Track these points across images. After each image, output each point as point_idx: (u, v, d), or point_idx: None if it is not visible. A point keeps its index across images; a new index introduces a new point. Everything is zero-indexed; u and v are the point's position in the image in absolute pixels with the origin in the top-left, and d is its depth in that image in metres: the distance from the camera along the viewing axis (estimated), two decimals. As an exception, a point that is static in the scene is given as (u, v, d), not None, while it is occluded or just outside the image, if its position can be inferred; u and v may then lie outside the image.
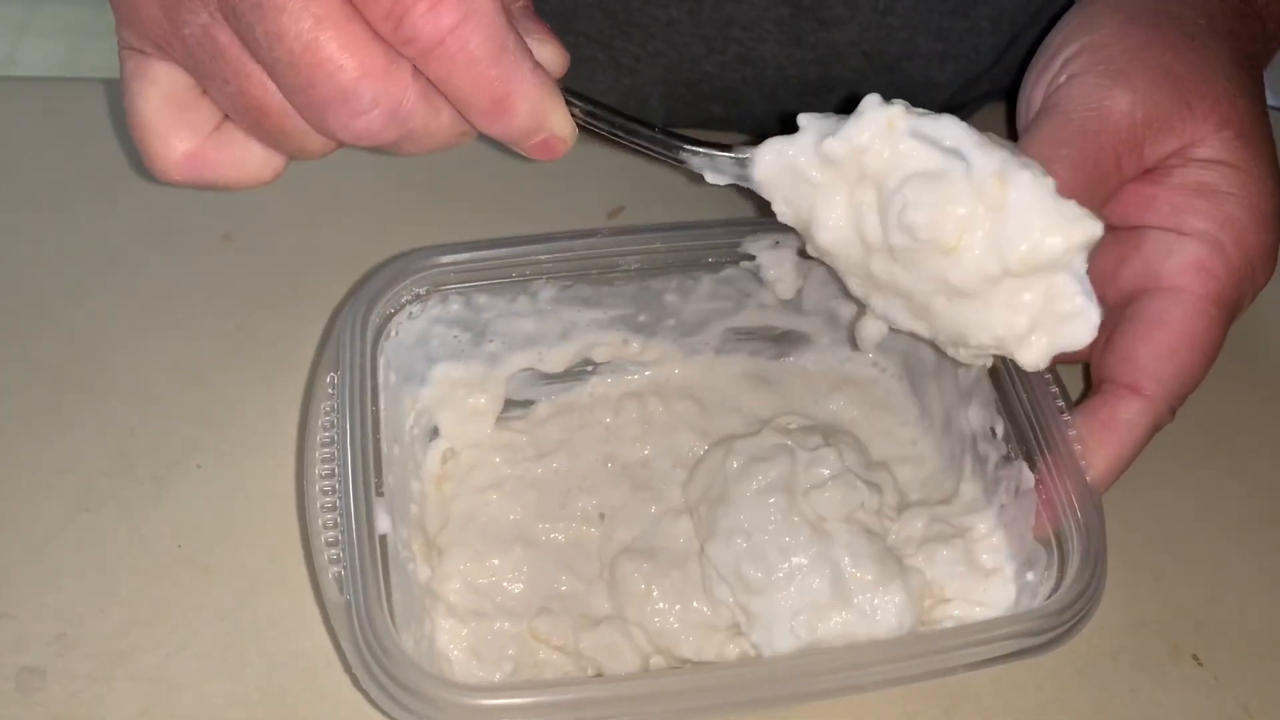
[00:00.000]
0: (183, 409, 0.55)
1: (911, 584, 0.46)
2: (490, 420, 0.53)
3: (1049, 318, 0.40)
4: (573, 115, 0.40)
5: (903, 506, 0.50)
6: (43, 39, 1.80)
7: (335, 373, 0.46)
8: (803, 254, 0.51)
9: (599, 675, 0.47)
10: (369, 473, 0.43)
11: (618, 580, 0.49)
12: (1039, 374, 0.45)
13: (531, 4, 0.41)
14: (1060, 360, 0.42)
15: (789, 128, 0.42)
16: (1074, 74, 0.47)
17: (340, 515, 0.42)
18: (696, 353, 0.56)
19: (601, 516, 0.52)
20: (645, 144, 0.42)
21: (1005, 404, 0.48)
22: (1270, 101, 0.50)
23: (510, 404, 0.54)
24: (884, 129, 0.40)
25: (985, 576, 0.47)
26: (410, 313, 0.49)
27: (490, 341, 0.52)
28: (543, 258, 0.50)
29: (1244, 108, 0.47)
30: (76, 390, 0.55)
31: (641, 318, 0.53)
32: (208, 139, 0.40)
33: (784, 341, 0.56)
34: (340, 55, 0.35)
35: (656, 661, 0.48)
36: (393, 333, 0.49)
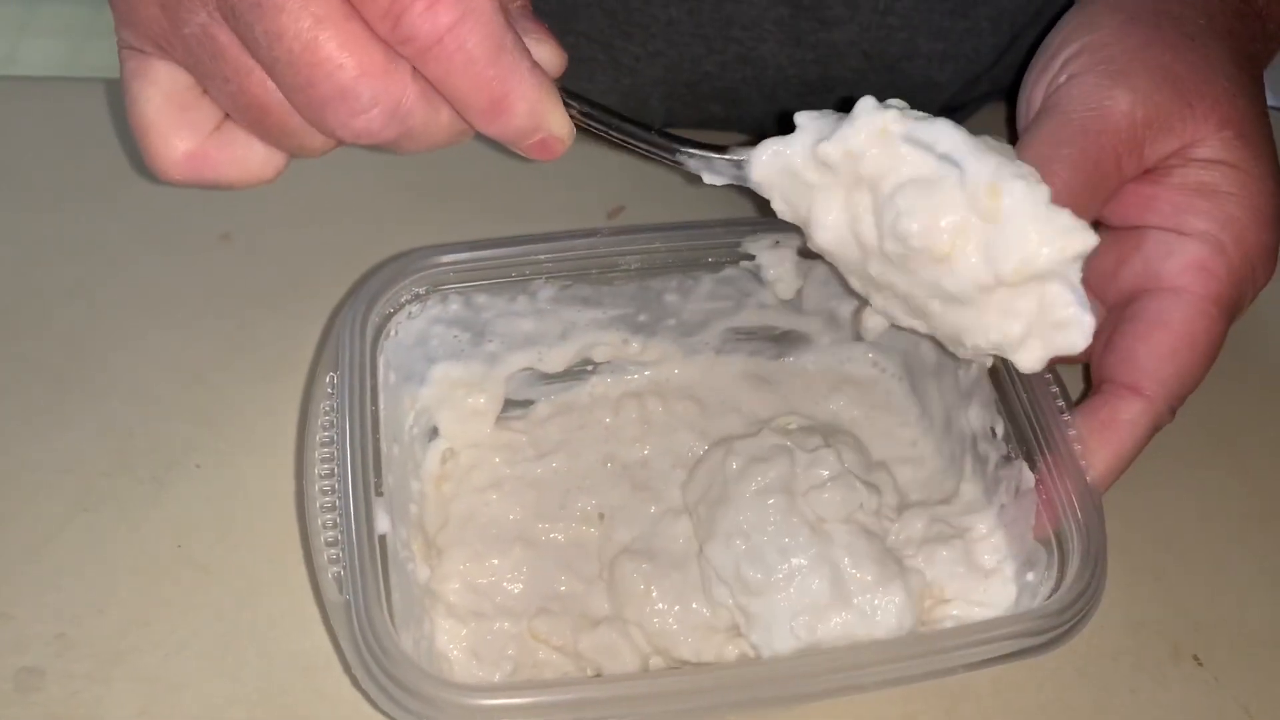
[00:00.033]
0: (182, 409, 0.55)
1: (911, 584, 0.46)
2: (490, 420, 0.53)
3: (1043, 324, 0.41)
4: (570, 116, 0.40)
5: (903, 507, 0.50)
6: (43, 39, 1.80)
7: (335, 372, 0.46)
8: (803, 254, 0.52)
9: (598, 676, 0.47)
10: (368, 472, 0.43)
11: (617, 580, 0.49)
12: (1039, 374, 0.44)
13: (529, 3, 0.41)
14: (1060, 361, 0.42)
15: (788, 128, 0.42)
16: (1074, 74, 0.47)
17: (340, 515, 0.42)
18: (696, 353, 0.55)
19: (601, 517, 0.52)
20: (642, 145, 0.42)
21: (1005, 404, 0.48)
22: (1270, 101, 0.50)
23: (510, 404, 0.54)
24: (877, 134, 0.40)
25: (985, 577, 0.47)
26: (410, 312, 0.49)
27: (490, 341, 0.52)
28: (542, 257, 0.50)
29: (1244, 108, 0.47)
30: (76, 390, 0.55)
31: (641, 317, 0.53)
32: (209, 138, 0.40)
33: (784, 341, 0.56)
34: (339, 54, 0.35)
35: (655, 663, 0.48)
36: (392, 332, 0.49)
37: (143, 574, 0.49)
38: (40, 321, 0.58)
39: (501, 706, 0.39)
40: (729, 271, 0.52)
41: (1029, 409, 0.46)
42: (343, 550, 0.41)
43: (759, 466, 0.49)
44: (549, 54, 0.40)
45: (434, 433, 0.53)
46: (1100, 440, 0.46)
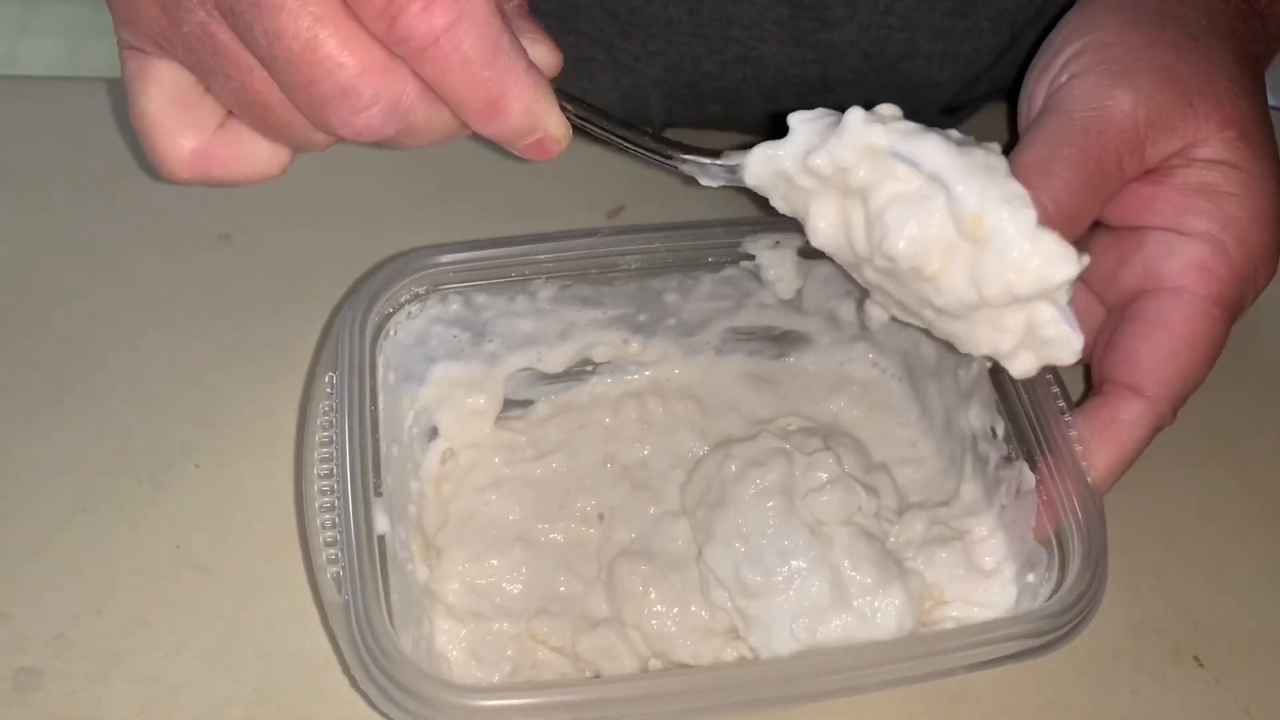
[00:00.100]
0: (181, 409, 0.55)
1: (911, 586, 0.46)
2: (489, 420, 0.53)
3: (1033, 340, 0.41)
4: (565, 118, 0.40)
5: (903, 509, 0.50)
6: (43, 38, 1.80)
7: (334, 372, 0.46)
8: (803, 254, 0.52)
9: (597, 677, 0.47)
10: (367, 473, 0.43)
11: (615, 581, 0.49)
12: (1039, 374, 0.44)
13: (526, 3, 0.41)
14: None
15: (785, 129, 0.42)
16: (1076, 74, 0.46)
17: (339, 515, 0.42)
18: (696, 353, 0.55)
19: (600, 517, 0.52)
20: (637, 148, 0.42)
21: (1006, 404, 0.48)
22: (1272, 101, 0.49)
23: (509, 404, 0.54)
24: (864, 149, 0.40)
25: (986, 578, 0.47)
26: (409, 312, 0.49)
27: (489, 341, 0.52)
28: (542, 257, 0.50)
29: (1246, 108, 0.47)
30: (76, 390, 0.55)
31: (641, 317, 0.53)
32: (213, 136, 0.40)
33: (784, 341, 0.56)
34: (339, 52, 0.35)
35: (654, 665, 0.48)
36: (392, 332, 0.49)
37: (142, 574, 0.49)
38: (40, 321, 0.58)
39: (500, 707, 0.39)
40: (729, 271, 0.52)
41: (1030, 409, 0.46)
42: (342, 550, 0.41)
43: (757, 469, 0.48)
44: (545, 54, 0.40)
45: (433, 433, 0.53)
46: (1101, 441, 0.46)
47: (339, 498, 0.42)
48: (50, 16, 1.83)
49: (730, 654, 0.47)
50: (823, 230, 0.42)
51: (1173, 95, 0.45)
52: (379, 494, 0.43)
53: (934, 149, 0.39)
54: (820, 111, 0.41)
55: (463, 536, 0.50)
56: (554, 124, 0.39)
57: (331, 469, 0.43)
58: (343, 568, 0.41)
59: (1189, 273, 0.46)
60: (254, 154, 0.41)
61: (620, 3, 0.62)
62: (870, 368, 0.56)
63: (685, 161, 0.42)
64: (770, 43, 0.62)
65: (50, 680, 0.46)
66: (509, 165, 0.53)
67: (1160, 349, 0.46)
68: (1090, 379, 0.49)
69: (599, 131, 0.41)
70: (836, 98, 0.64)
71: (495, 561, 0.50)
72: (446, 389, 0.52)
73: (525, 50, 0.37)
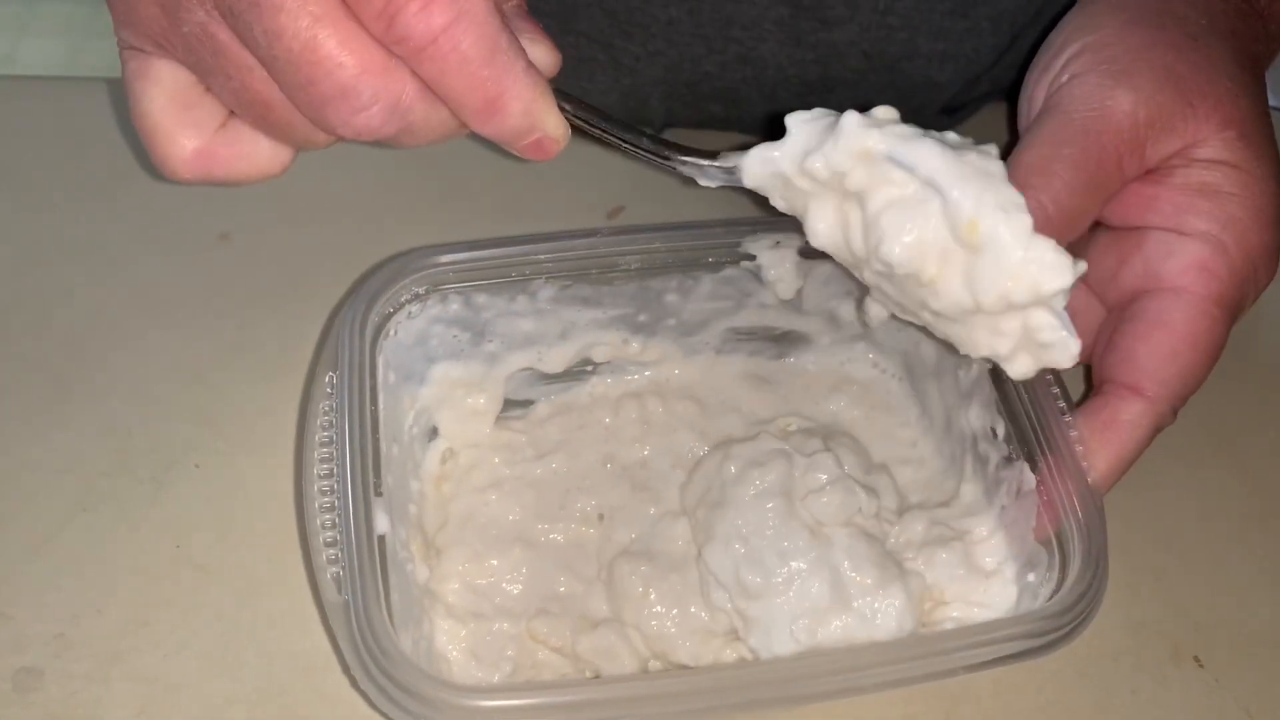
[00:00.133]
0: (181, 409, 0.55)
1: (911, 587, 0.46)
2: (489, 420, 0.53)
3: (1030, 343, 0.41)
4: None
5: (903, 509, 0.50)
6: (42, 38, 1.80)
7: (334, 372, 0.46)
8: (803, 254, 0.52)
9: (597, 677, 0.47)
10: (368, 473, 0.43)
11: (615, 582, 0.49)
12: (1039, 374, 0.44)
13: (524, 3, 0.41)
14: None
15: (784, 130, 0.42)
16: (1076, 74, 0.46)
17: (339, 515, 0.42)
18: (696, 353, 0.55)
19: (600, 517, 0.52)
20: (634, 147, 0.42)
21: (1006, 405, 0.48)
22: (1272, 102, 0.49)
23: (509, 404, 0.54)
24: (860, 154, 0.40)
25: (986, 578, 0.47)
26: (409, 312, 0.49)
27: (489, 341, 0.52)
28: (542, 257, 0.50)
29: (1246, 108, 0.47)
30: (76, 390, 0.55)
31: (641, 317, 0.53)
32: (215, 135, 0.40)
33: (784, 342, 0.56)
34: (339, 52, 0.35)
35: (654, 666, 0.48)
36: (392, 332, 0.49)
37: (142, 574, 0.49)
38: (40, 321, 0.58)
39: (500, 707, 0.39)
40: (729, 271, 0.52)
41: (1030, 409, 0.46)
42: (342, 550, 0.41)
43: (757, 470, 0.48)
44: (543, 54, 0.40)
45: (433, 433, 0.53)
46: (1101, 441, 0.46)
47: (339, 498, 0.42)
48: (50, 16, 1.83)
49: (730, 655, 0.47)
50: (821, 231, 0.42)
51: (1173, 95, 0.45)
52: (379, 494, 0.43)
53: (929, 154, 0.39)
54: (818, 112, 0.41)
55: (463, 536, 0.50)
56: (552, 124, 0.39)
57: (332, 469, 0.43)
58: (343, 568, 0.41)
59: (1189, 273, 0.46)
60: (256, 153, 0.41)
61: (620, 3, 0.62)
62: (870, 368, 0.56)
63: (683, 162, 0.42)
64: (770, 43, 0.62)
65: (50, 680, 0.46)
66: (509, 165, 0.53)
67: (1160, 349, 0.46)
68: (1090, 379, 0.49)
69: (597, 132, 0.41)
70: (837, 98, 0.64)
71: (495, 561, 0.50)
72: (447, 389, 0.52)
73: (524, 50, 0.37)
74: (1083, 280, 0.43)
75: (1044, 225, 0.42)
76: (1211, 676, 0.48)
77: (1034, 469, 0.46)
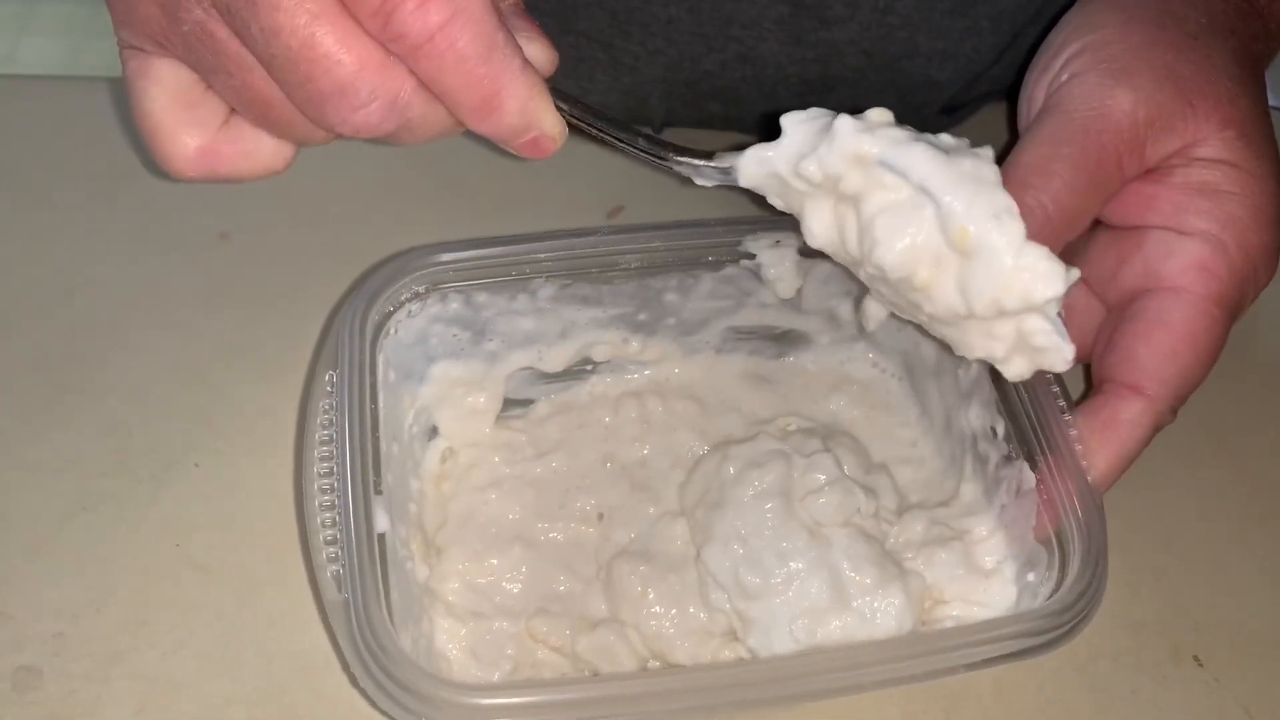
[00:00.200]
0: (181, 408, 0.55)
1: (911, 587, 0.46)
2: (489, 419, 0.53)
3: (1025, 347, 0.41)
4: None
5: (902, 509, 0.50)
6: (43, 38, 1.80)
7: (334, 371, 0.46)
8: (803, 253, 0.52)
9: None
10: (367, 471, 0.43)
11: (614, 581, 0.49)
12: (1040, 373, 0.44)
13: (521, 1, 0.41)
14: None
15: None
16: (1076, 73, 0.46)
17: (339, 514, 0.42)
18: (696, 352, 0.55)
19: (600, 516, 0.52)
20: (631, 147, 0.42)
21: (1006, 404, 0.48)
22: (1272, 101, 0.49)
23: (509, 403, 0.54)
24: (853, 158, 0.40)
25: (985, 578, 0.47)
26: (409, 311, 0.49)
27: (490, 340, 0.52)
28: (542, 256, 0.50)
29: (1246, 107, 0.47)
30: (75, 390, 0.55)
31: (641, 316, 0.53)
32: (218, 133, 0.40)
33: (784, 341, 0.56)
34: (337, 50, 0.35)
35: (652, 666, 0.47)
36: (392, 331, 0.49)
37: (141, 573, 0.49)
38: (40, 321, 0.58)
39: (500, 706, 0.39)
40: (729, 270, 0.52)
41: (1030, 409, 0.46)
42: (342, 549, 0.41)
43: (756, 471, 0.48)
44: (540, 52, 0.40)
45: (433, 431, 0.53)
46: (1101, 440, 0.46)
47: (339, 496, 0.42)
48: (50, 16, 1.83)
49: (728, 656, 0.47)
50: (817, 232, 0.42)
51: (1173, 94, 0.45)
52: (379, 492, 0.43)
53: (921, 158, 0.39)
54: (813, 112, 0.41)
55: (462, 535, 0.50)
56: (549, 122, 0.39)
57: (331, 468, 0.43)
58: (343, 566, 0.41)
59: (1189, 272, 0.46)
60: (258, 150, 0.41)
61: (619, 1, 0.62)
62: (870, 367, 0.56)
63: (679, 162, 0.42)
64: (770, 41, 0.62)
65: (49, 679, 0.46)
66: (509, 164, 0.53)
67: (1160, 348, 0.46)
68: (1090, 378, 0.49)
69: (594, 131, 0.41)
70: (836, 97, 0.64)
71: (495, 561, 0.50)
72: (446, 388, 0.52)
73: (520, 48, 0.37)
74: (1082, 279, 0.43)
75: (1044, 224, 0.42)
76: (1211, 676, 0.48)
77: (1034, 468, 0.46)
